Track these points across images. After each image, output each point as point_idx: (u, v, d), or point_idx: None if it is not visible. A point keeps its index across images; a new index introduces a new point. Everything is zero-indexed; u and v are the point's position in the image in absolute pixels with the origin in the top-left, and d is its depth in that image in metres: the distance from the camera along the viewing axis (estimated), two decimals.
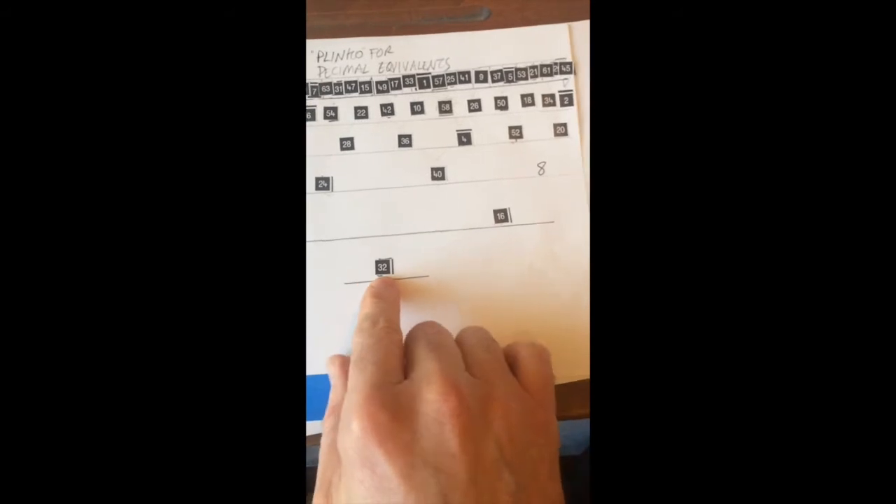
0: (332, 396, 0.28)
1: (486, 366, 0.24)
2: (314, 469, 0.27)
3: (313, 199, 0.32)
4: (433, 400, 0.22)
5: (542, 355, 0.26)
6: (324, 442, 0.27)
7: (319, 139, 0.33)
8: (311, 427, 0.29)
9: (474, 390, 0.23)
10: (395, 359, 0.25)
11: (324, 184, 0.32)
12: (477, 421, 0.22)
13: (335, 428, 0.24)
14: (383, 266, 0.31)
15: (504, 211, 0.32)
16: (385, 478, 0.20)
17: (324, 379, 0.29)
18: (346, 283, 0.31)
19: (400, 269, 0.31)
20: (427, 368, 0.23)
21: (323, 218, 0.31)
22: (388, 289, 0.29)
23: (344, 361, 0.28)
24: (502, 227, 0.32)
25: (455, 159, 0.33)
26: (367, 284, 0.30)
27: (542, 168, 0.33)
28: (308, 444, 0.29)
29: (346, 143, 0.33)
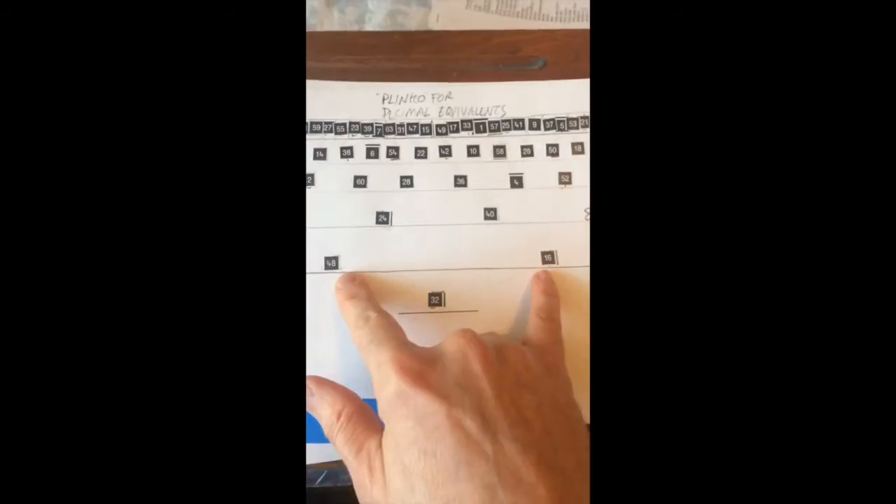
0: (328, 406, 0.27)
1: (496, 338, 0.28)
2: (314, 490, 0.29)
3: (373, 232, 0.34)
4: (454, 342, 0.25)
5: (549, 288, 0.31)
6: (343, 436, 0.26)
7: (381, 176, 0.35)
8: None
9: (488, 340, 0.26)
10: (403, 333, 0.28)
11: (383, 218, 0.34)
12: (494, 353, 0.25)
13: (349, 425, 0.26)
14: (436, 298, 0.33)
15: (551, 253, 0.34)
16: (425, 405, 0.23)
17: None
18: (399, 314, 0.33)
19: (451, 302, 0.33)
20: (448, 336, 0.26)
21: (381, 251, 0.34)
22: (357, 287, 0.31)
23: (318, 379, 0.28)
24: (549, 269, 0.34)
25: (507, 201, 0.35)
26: (419, 315, 0.32)
27: (588, 214, 0.35)
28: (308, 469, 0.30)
29: (406, 181, 0.35)
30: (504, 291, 0.33)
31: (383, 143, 0.36)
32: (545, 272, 0.33)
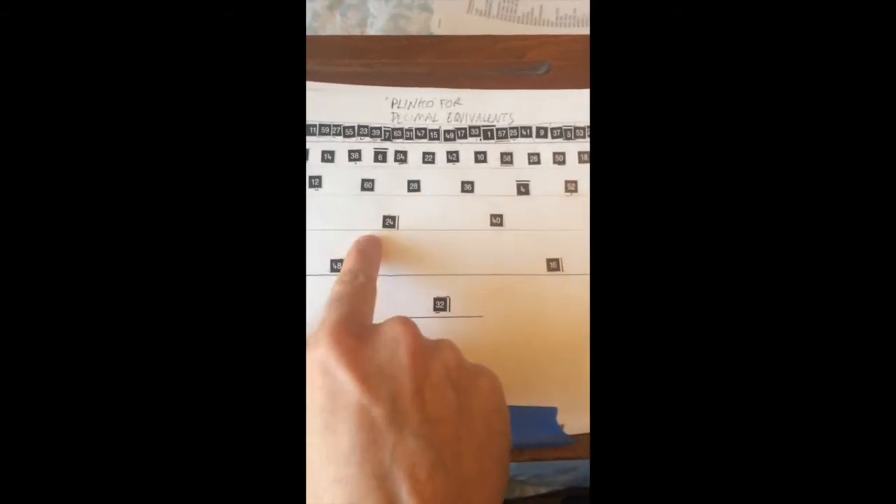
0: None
1: None
2: None
3: (380, 235, 0.34)
4: (393, 326, 0.25)
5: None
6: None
7: (389, 180, 0.35)
8: None
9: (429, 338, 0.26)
10: (369, 308, 0.28)
11: (390, 222, 0.34)
12: (428, 347, 0.25)
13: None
14: (441, 303, 0.33)
15: (556, 260, 0.34)
16: (342, 382, 0.23)
17: None
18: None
19: (456, 307, 0.33)
20: (391, 319, 0.26)
21: (387, 254, 0.34)
22: (373, 247, 0.32)
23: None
24: (554, 276, 0.34)
25: (513, 207, 0.35)
26: (422, 319, 0.32)
27: None
28: None
29: (413, 185, 0.35)
30: (508, 298, 0.33)
31: (391, 146, 0.36)
32: None
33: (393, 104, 0.37)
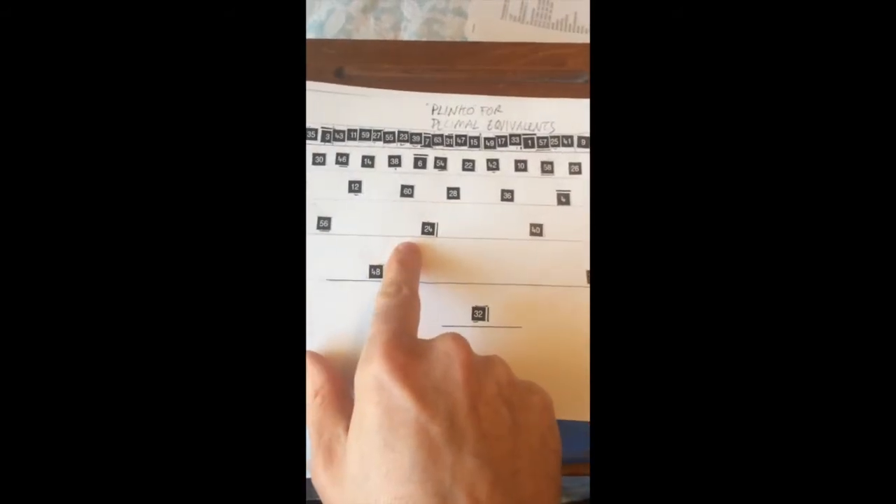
0: (310, 383, 0.28)
1: None
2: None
3: (419, 242, 0.34)
4: (445, 342, 0.25)
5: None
6: (314, 416, 0.27)
7: (429, 186, 0.35)
8: None
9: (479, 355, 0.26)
10: (415, 321, 0.28)
11: (429, 228, 0.34)
12: (480, 364, 0.25)
13: (322, 405, 0.27)
14: (479, 313, 0.33)
15: None
16: (399, 398, 0.23)
17: None
18: (443, 326, 0.33)
19: (495, 317, 0.33)
20: (442, 335, 0.26)
21: (426, 261, 0.33)
22: (413, 256, 0.32)
23: (313, 354, 0.30)
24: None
25: (553, 217, 0.35)
26: (461, 328, 0.32)
27: None
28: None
29: (453, 193, 0.35)
30: (548, 309, 0.33)
31: (431, 153, 0.35)
32: None
33: (433, 110, 0.36)
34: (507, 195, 0.35)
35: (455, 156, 0.36)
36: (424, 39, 0.46)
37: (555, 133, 0.36)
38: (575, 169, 0.36)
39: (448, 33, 0.48)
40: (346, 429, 0.25)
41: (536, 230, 0.34)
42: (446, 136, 0.36)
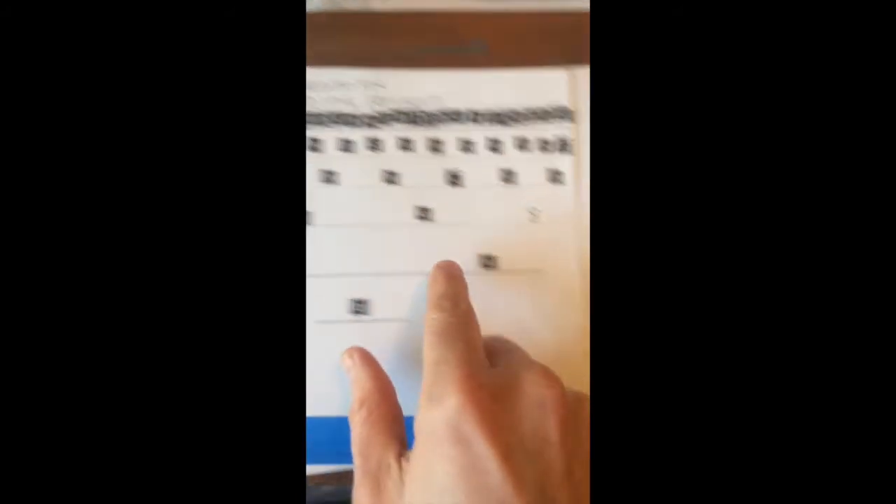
0: (357, 389, 0.25)
1: None
2: None
3: None
4: (536, 384, 0.21)
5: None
6: (359, 433, 0.23)
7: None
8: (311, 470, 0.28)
9: (568, 388, 0.21)
10: (481, 342, 0.23)
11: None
12: (573, 411, 0.21)
13: (368, 420, 0.23)
14: (360, 307, 0.29)
15: (492, 257, 0.30)
16: (481, 458, 0.19)
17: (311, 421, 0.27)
18: (317, 322, 0.29)
19: (377, 311, 0.29)
20: (521, 356, 0.23)
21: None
22: (460, 271, 0.26)
23: (363, 352, 0.26)
24: (489, 274, 0.30)
25: (443, 200, 0.31)
26: (337, 324, 0.28)
27: (534, 214, 0.31)
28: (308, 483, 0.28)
29: (329, 177, 0.31)
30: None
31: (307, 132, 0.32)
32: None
33: (307, 86, 0.33)
34: (391, 177, 0.31)
35: (331, 135, 0.32)
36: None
37: (443, 108, 0.33)
38: (466, 147, 0.32)
39: (353, 5, 0.45)
40: (397, 457, 0.22)
41: (424, 214, 0.31)
42: (321, 115, 0.32)
